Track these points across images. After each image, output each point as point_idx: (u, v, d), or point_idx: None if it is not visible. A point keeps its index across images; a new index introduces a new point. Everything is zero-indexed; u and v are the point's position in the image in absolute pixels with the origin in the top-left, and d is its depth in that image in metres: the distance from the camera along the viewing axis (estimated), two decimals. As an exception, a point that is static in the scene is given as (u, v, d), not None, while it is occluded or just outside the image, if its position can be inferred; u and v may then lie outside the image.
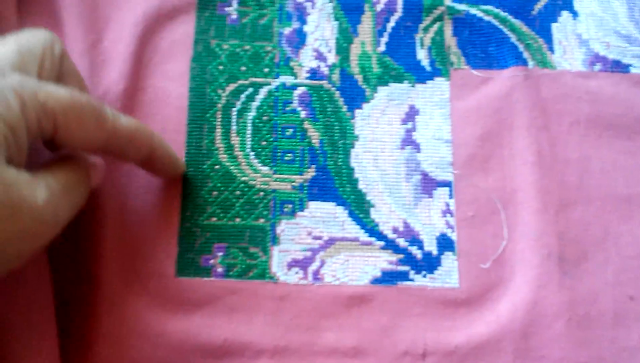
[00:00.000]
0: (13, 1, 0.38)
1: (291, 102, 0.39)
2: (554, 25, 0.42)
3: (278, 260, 0.37)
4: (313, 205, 0.38)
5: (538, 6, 0.42)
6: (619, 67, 0.41)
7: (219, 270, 0.36)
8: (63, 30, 0.39)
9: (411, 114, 0.39)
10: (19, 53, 0.28)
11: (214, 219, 0.37)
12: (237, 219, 0.37)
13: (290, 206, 0.38)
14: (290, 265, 0.37)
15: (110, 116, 0.30)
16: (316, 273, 0.36)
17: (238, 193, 0.38)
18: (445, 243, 0.37)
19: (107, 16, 0.40)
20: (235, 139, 0.39)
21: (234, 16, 0.41)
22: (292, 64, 0.40)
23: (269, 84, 0.40)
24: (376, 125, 0.39)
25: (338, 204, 0.38)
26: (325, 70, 0.40)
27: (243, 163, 0.38)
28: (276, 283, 0.36)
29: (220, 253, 0.37)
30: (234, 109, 0.39)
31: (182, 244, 0.36)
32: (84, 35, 0.39)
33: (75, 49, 0.39)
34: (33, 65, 0.28)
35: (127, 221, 0.37)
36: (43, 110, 0.26)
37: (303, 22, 0.41)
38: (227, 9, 0.41)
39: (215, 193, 0.38)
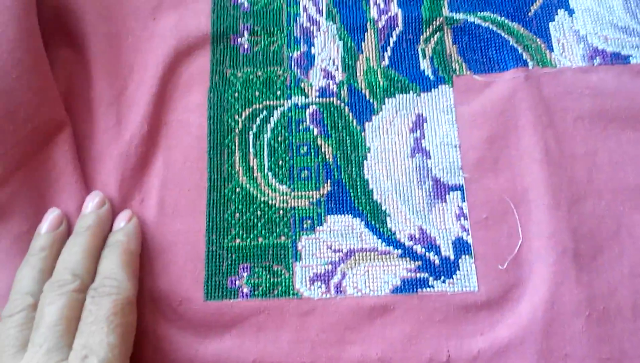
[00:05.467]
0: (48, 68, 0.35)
1: (304, 121, 0.37)
2: (551, 25, 0.38)
3: (301, 276, 0.34)
4: (331, 219, 0.35)
5: (534, 7, 0.39)
6: (618, 59, 0.37)
7: (245, 290, 0.34)
8: (91, 83, 0.37)
9: (419, 122, 0.36)
10: None
11: (238, 240, 0.35)
12: (260, 239, 0.35)
13: (309, 221, 0.35)
14: (313, 280, 0.34)
15: None
16: (338, 286, 0.34)
17: (259, 213, 0.35)
18: (461, 247, 0.34)
19: (131, 63, 0.38)
20: (253, 162, 0.36)
21: (246, 45, 0.39)
22: (302, 85, 0.38)
23: (282, 105, 0.37)
24: (386, 136, 0.36)
25: (355, 216, 0.35)
26: (334, 88, 0.37)
27: (262, 184, 0.36)
28: (300, 299, 0.33)
29: (246, 274, 0.34)
30: (251, 132, 0.37)
31: (209, 268, 0.34)
32: (111, 85, 0.38)
33: (104, 99, 0.37)
34: None
35: (155, 249, 0.34)
36: None
37: (310, 44, 0.39)
38: (239, 39, 0.39)
39: (237, 215, 0.35)
